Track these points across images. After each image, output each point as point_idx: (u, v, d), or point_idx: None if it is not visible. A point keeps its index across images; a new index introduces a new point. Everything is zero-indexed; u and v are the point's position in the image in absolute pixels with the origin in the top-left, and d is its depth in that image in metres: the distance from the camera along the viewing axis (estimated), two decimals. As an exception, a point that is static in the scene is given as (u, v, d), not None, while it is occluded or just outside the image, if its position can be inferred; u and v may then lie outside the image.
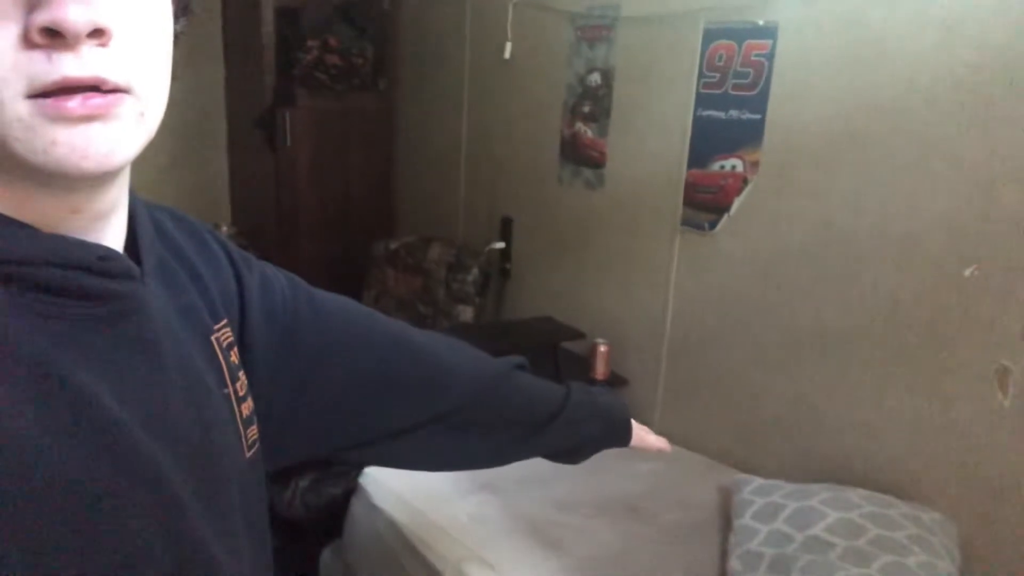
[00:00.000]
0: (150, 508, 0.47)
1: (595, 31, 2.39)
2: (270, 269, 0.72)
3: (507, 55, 2.66)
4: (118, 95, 0.43)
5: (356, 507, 1.94)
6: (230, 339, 0.62)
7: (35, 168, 0.41)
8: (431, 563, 1.65)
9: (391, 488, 1.87)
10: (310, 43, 3.12)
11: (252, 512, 0.60)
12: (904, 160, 1.67)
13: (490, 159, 2.90)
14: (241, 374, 0.62)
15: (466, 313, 2.65)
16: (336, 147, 3.27)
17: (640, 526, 1.76)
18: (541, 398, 0.91)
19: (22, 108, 0.40)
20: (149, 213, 0.59)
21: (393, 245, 2.95)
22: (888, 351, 1.73)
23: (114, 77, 0.42)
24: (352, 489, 1.98)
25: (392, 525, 1.79)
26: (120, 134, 0.44)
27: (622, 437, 0.98)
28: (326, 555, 2.14)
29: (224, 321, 0.62)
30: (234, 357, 0.62)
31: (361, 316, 0.79)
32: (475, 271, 2.67)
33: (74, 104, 0.41)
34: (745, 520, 1.63)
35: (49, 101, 0.40)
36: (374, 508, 1.86)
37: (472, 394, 0.84)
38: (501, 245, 2.75)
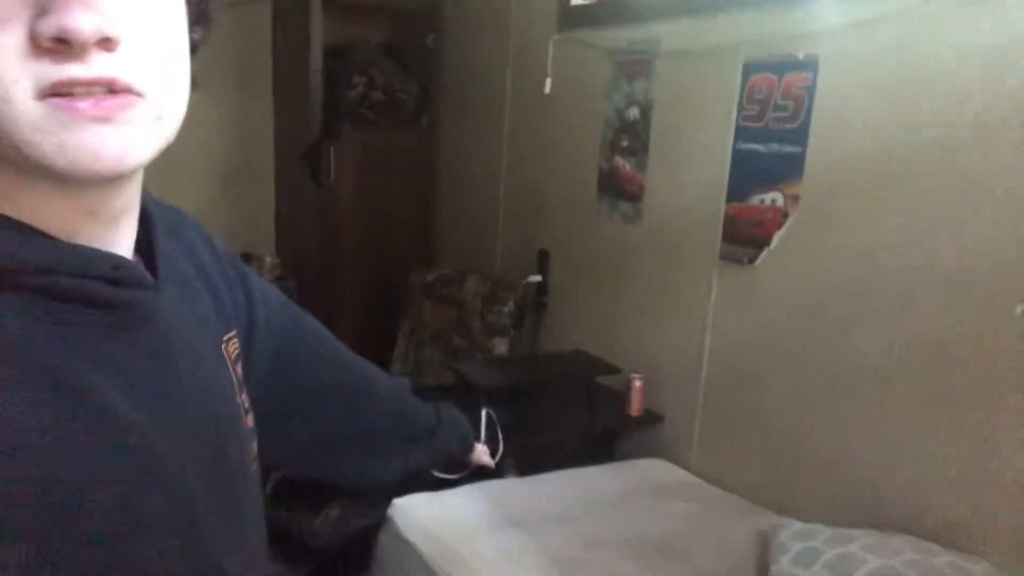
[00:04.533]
0: (165, 517, 0.46)
1: (635, 66, 2.40)
2: (262, 280, 0.75)
3: (547, 90, 2.68)
4: (131, 97, 0.43)
5: (384, 539, 1.92)
6: (237, 351, 0.62)
7: (48, 169, 0.41)
8: (456, 598, 1.61)
9: (418, 521, 1.85)
10: (356, 80, 3.19)
11: (258, 527, 0.60)
12: (950, 194, 1.62)
13: (528, 192, 2.91)
14: (245, 388, 0.62)
15: (501, 346, 2.63)
16: (378, 180, 3.32)
17: (672, 568, 1.70)
18: (422, 411, 0.98)
19: (33, 109, 0.40)
20: (168, 216, 0.59)
21: (429, 277, 2.96)
22: (934, 392, 1.66)
23: (125, 78, 0.42)
24: (381, 521, 1.96)
25: (419, 558, 1.76)
26: (134, 136, 0.43)
27: (469, 448, 1.06)
28: (354, 587, 2.12)
29: (233, 333, 0.62)
30: (239, 370, 0.62)
31: (327, 339, 0.85)
32: (510, 304, 2.66)
33: (86, 105, 0.41)
34: (782, 565, 1.56)
35: (62, 101, 0.40)
36: (402, 540, 1.83)
37: (389, 408, 0.92)
38: (538, 278, 2.74)
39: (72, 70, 0.40)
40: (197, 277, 0.60)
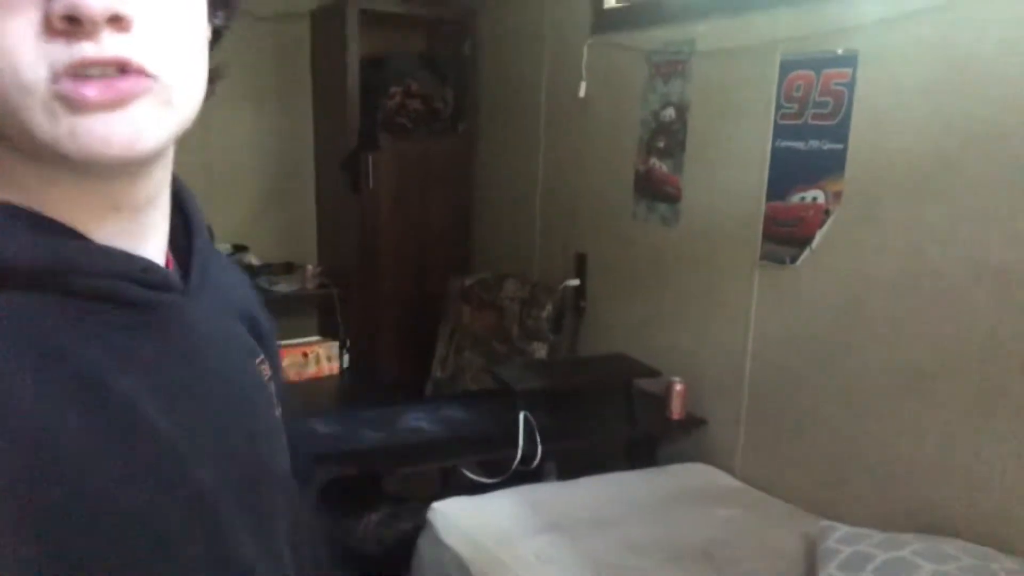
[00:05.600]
0: (189, 524, 0.45)
1: (670, 66, 2.38)
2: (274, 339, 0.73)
3: (582, 93, 2.68)
4: (140, 80, 0.42)
5: (424, 543, 1.92)
6: (269, 375, 0.61)
7: (59, 154, 0.42)
8: (496, 602, 1.61)
9: (458, 525, 1.85)
10: (393, 89, 3.22)
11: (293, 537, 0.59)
12: (998, 186, 1.57)
13: (565, 196, 2.90)
14: (280, 406, 0.61)
15: (540, 350, 2.63)
16: (416, 188, 3.35)
17: (716, 574, 1.68)
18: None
19: (45, 94, 0.40)
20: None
21: (468, 282, 2.97)
22: (986, 392, 1.61)
23: (137, 59, 0.42)
24: (422, 525, 1.97)
25: (459, 562, 1.76)
26: (143, 121, 0.43)
27: None
28: (396, 591, 2.12)
29: (262, 357, 0.61)
30: (272, 388, 0.61)
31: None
32: (549, 308, 2.65)
33: (92, 92, 0.41)
34: (830, 570, 1.52)
35: (72, 87, 0.40)
36: (441, 544, 1.83)
37: None
38: (576, 282, 2.73)
39: (84, 50, 0.40)
40: (236, 303, 0.60)
